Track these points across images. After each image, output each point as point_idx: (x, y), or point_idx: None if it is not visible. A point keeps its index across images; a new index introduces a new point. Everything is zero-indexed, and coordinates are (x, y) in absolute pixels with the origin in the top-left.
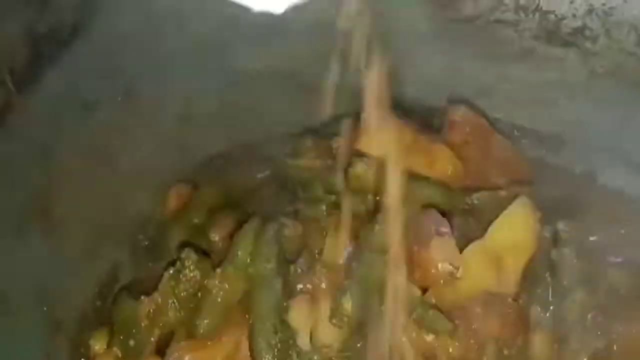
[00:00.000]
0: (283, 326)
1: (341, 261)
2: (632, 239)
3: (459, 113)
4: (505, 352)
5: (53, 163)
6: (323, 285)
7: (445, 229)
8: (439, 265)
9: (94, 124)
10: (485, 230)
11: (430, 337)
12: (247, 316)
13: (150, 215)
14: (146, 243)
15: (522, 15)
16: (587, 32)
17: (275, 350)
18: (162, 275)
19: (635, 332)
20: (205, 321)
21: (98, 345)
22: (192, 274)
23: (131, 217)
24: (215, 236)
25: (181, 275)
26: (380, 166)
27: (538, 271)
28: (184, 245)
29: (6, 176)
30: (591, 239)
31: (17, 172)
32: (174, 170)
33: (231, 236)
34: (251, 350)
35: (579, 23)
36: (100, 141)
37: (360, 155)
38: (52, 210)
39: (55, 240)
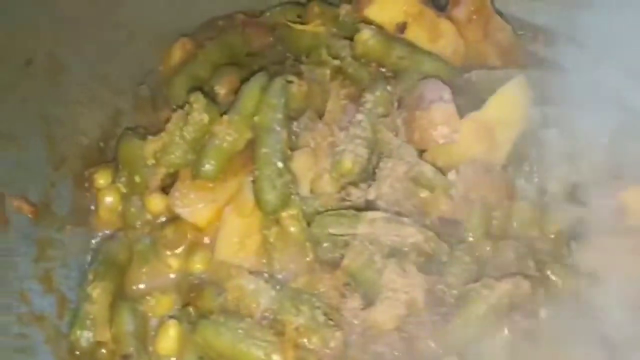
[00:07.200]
0: (286, 171)
1: (342, 122)
2: (613, 125)
3: None
4: (492, 213)
5: (60, 2)
6: (324, 143)
7: (447, 95)
8: (439, 127)
9: None
10: (479, 106)
11: (424, 193)
12: (250, 163)
13: (152, 68)
14: (148, 93)
15: None
16: None
17: (279, 191)
18: (165, 121)
19: (612, 204)
20: (210, 163)
21: (102, 179)
22: (200, 117)
23: (133, 68)
24: (221, 89)
25: (189, 117)
26: (386, 35)
27: (526, 147)
28: (192, 90)
29: (11, 16)
30: (576, 122)
31: (22, 13)
32: (177, 28)
33: (236, 92)
34: (255, 190)
35: None
36: None
37: (367, 22)
38: (56, 53)
39: (58, 82)
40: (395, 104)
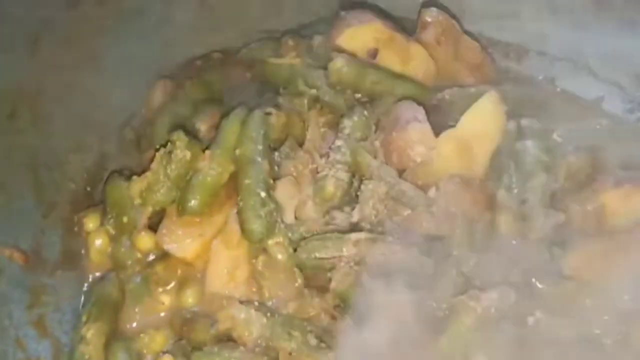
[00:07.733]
0: (270, 200)
1: (322, 149)
2: (587, 132)
3: (432, 14)
4: (474, 226)
5: (40, 54)
6: (306, 171)
7: (421, 115)
8: (415, 147)
9: (78, 19)
10: (454, 123)
11: (406, 212)
12: (235, 195)
13: (135, 111)
14: (132, 136)
15: None
16: None
17: (264, 220)
18: (150, 162)
19: (590, 210)
20: (195, 198)
21: (91, 223)
22: (182, 154)
23: (116, 113)
24: (201, 126)
25: (172, 155)
26: (359, 61)
27: (503, 159)
28: (175, 128)
29: None
30: (551, 132)
31: (5, 61)
32: (156, 70)
33: (216, 127)
34: (240, 221)
35: None
36: (85, 37)
37: (340, 51)
38: (39, 103)
39: (44, 131)
40: (373, 128)
